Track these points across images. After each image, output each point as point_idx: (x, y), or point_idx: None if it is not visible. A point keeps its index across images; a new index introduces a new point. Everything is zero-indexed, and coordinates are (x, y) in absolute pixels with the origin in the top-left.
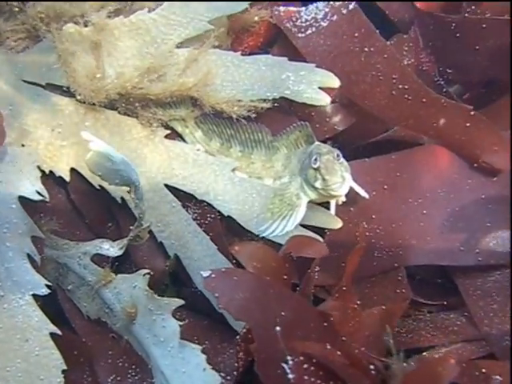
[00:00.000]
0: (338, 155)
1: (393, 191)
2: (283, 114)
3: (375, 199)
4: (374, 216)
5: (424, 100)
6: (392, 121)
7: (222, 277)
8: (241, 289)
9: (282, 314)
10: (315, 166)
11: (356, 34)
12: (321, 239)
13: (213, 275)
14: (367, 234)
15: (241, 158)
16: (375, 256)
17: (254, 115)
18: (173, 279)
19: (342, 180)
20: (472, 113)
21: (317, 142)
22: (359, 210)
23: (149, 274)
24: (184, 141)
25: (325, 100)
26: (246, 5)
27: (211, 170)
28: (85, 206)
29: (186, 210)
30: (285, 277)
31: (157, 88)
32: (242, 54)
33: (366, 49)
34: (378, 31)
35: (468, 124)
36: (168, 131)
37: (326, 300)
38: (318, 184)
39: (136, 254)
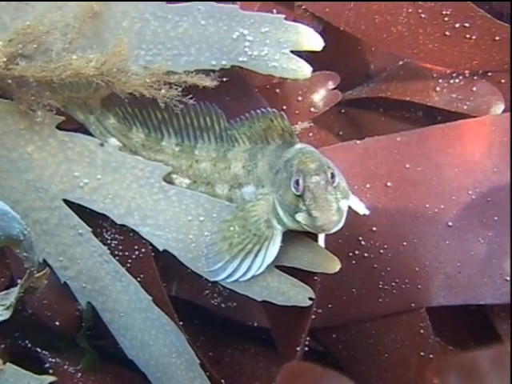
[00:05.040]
0: (332, 175)
1: (400, 191)
2: (243, 88)
3: (375, 203)
4: (374, 228)
5: (497, 38)
6: (452, 66)
7: None
8: None
9: None
10: (297, 193)
11: None
12: (312, 294)
13: None
14: (365, 255)
15: (179, 156)
16: (381, 290)
17: (191, 101)
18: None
19: (338, 217)
20: None
21: (299, 145)
22: (353, 220)
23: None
24: (88, 133)
25: (303, 71)
26: None
27: (133, 176)
28: None
29: (101, 240)
30: None
31: (38, 68)
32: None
33: None
34: None
35: None
36: (62, 117)
37: None
38: (300, 218)
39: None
